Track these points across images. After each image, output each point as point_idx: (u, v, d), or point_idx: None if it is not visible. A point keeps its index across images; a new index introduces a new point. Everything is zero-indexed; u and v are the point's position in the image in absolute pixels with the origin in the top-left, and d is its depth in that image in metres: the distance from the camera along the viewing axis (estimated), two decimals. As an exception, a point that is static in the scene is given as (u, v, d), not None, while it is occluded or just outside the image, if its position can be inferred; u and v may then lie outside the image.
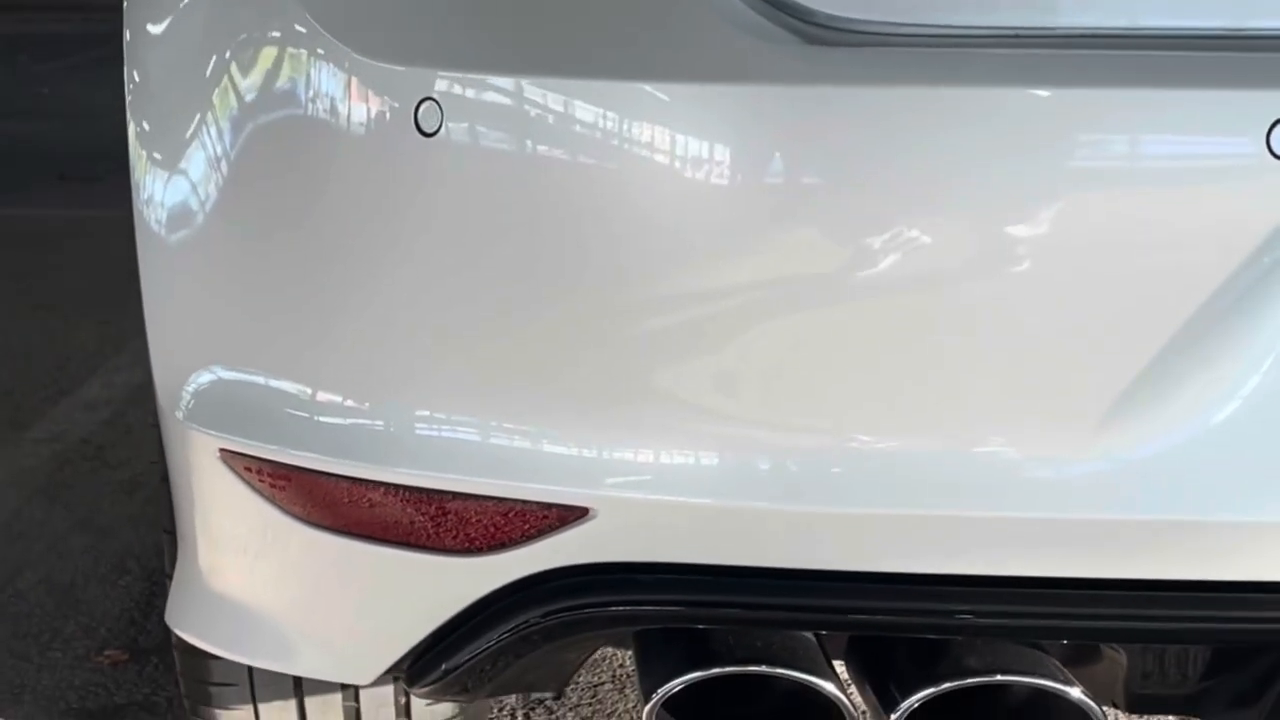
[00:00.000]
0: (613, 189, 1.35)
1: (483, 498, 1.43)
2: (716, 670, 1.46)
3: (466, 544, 1.45)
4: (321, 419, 1.48)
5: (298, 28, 1.46)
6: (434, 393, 1.44)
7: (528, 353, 1.40)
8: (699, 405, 1.38)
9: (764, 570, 1.41)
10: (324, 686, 1.89)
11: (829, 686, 1.45)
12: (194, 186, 1.54)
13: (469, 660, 1.50)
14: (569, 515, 1.41)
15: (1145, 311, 1.32)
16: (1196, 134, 1.31)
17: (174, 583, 1.72)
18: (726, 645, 1.48)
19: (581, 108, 1.34)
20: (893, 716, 1.45)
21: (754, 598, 1.43)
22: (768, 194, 1.33)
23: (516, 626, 1.46)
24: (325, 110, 1.43)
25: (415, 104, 1.37)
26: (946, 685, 1.44)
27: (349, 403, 1.47)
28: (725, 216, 1.33)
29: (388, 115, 1.39)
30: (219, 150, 1.52)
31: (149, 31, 1.64)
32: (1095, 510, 1.36)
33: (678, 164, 1.33)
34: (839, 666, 1.55)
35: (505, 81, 1.36)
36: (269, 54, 1.50)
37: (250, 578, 1.61)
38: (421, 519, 1.46)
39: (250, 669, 1.85)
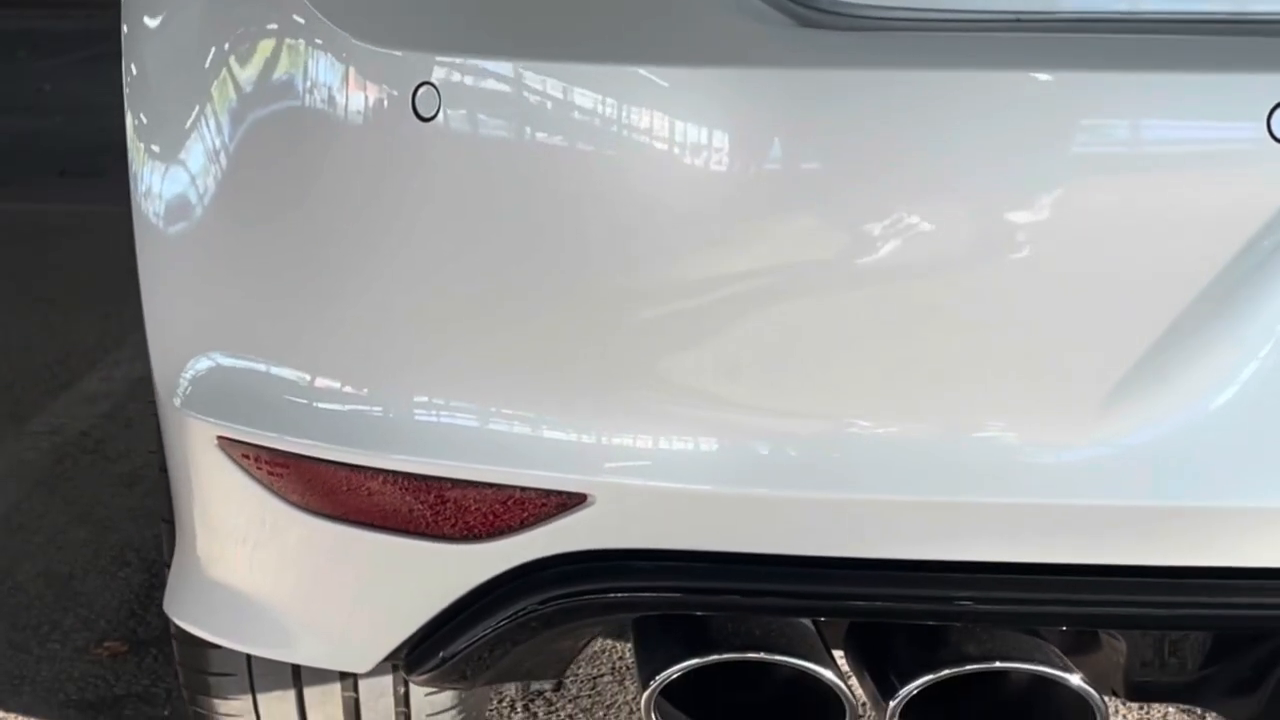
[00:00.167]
0: (609, 173, 1.34)
1: (481, 484, 1.43)
2: (714, 657, 1.45)
3: (465, 531, 1.45)
4: (319, 405, 1.47)
5: (295, 15, 1.46)
6: (432, 379, 1.44)
7: (526, 338, 1.40)
8: (698, 391, 1.38)
9: (763, 557, 1.41)
10: (323, 677, 1.88)
11: (828, 674, 1.45)
12: (192, 174, 1.54)
13: (467, 647, 1.49)
14: (567, 502, 1.41)
15: (1145, 296, 1.32)
16: (1196, 118, 1.31)
17: (172, 571, 1.72)
18: (725, 632, 1.48)
19: (577, 92, 1.34)
20: (891, 704, 1.45)
21: (752, 584, 1.42)
22: (765, 178, 1.33)
23: (515, 613, 1.46)
24: (322, 96, 1.43)
25: (413, 89, 1.37)
26: (945, 672, 1.44)
27: (347, 389, 1.46)
28: (723, 201, 1.33)
29: (385, 100, 1.39)
30: (217, 138, 1.52)
31: (146, 24, 1.64)
32: (1095, 496, 1.36)
33: (674, 148, 1.33)
34: (837, 657, 1.54)
35: (502, 66, 1.36)
36: (266, 41, 1.50)
37: (248, 566, 1.61)
38: (420, 506, 1.45)
39: (249, 658, 1.84)
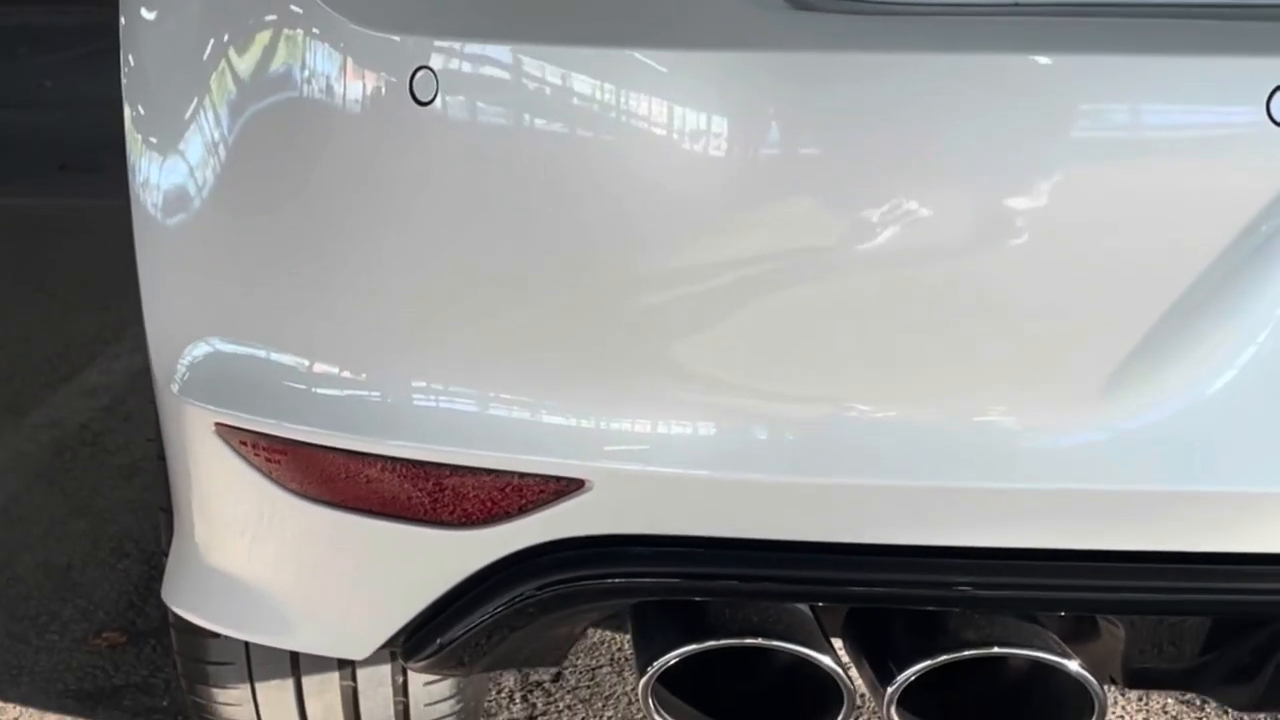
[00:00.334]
0: (606, 158, 1.34)
1: (479, 470, 1.43)
2: (712, 643, 1.45)
3: (463, 517, 1.45)
4: (318, 391, 1.47)
5: (291, 2, 1.45)
6: (431, 365, 1.44)
7: (524, 324, 1.40)
8: (697, 376, 1.38)
9: (761, 542, 1.41)
10: (321, 665, 1.88)
11: (826, 659, 1.45)
12: (190, 161, 1.54)
13: (464, 634, 1.49)
14: (565, 487, 1.41)
15: (1144, 280, 1.32)
16: (1195, 102, 1.30)
17: (170, 560, 1.72)
18: (723, 618, 1.48)
19: (574, 76, 1.33)
20: (889, 690, 1.45)
21: (750, 569, 1.42)
22: (761, 163, 1.33)
23: (512, 599, 1.46)
24: (320, 80, 1.42)
25: (410, 73, 1.36)
26: (943, 658, 1.43)
27: (345, 375, 1.46)
28: (720, 186, 1.33)
29: (383, 85, 1.39)
30: (215, 126, 1.51)
31: (143, 16, 1.64)
32: (1094, 481, 1.35)
33: (671, 132, 1.32)
34: (836, 648, 1.54)
35: (499, 50, 1.35)
36: (263, 27, 1.49)
37: (246, 553, 1.61)
38: (418, 492, 1.45)
39: (247, 647, 1.84)
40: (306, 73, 1.43)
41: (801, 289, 1.35)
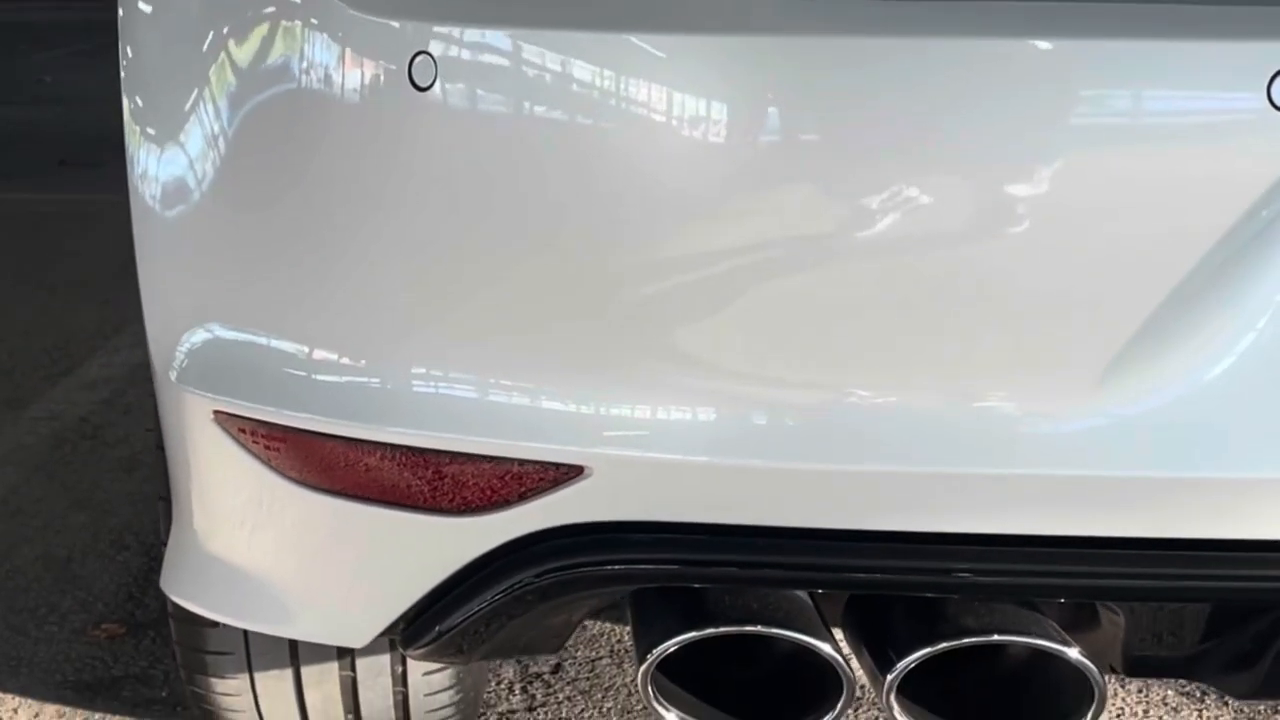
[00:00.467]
0: (606, 143, 1.34)
1: (479, 457, 1.43)
2: (711, 630, 1.45)
3: (462, 504, 1.44)
4: (317, 378, 1.47)
5: (291, -12, 1.45)
6: (430, 351, 1.43)
7: (524, 310, 1.40)
8: (696, 362, 1.38)
9: (760, 529, 1.41)
10: (320, 655, 1.88)
11: (825, 647, 1.44)
12: (188, 150, 1.53)
13: (463, 621, 1.49)
14: (565, 474, 1.41)
15: (1144, 266, 1.32)
16: (1196, 86, 1.30)
17: (169, 549, 1.71)
18: (722, 606, 1.48)
19: (573, 60, 1.33)
20: (888, 678, 1.44)
21: (750, 556, 1.42)
22: (761, 148, 1.32)
23: (512, 587, 1.46)
24: (318, 67, 1.42)
25: (409, 58, 1.36)
26: (942, 645, 1.43)
27: (344, 362, 1.46)
28: (720, 172, 1.32)
29: (381, 71, 1.39)
30: (213, 115, 1.51)
31: (141, 7, 1.63)
32: (1094, 467, 1.35)
33: (670, 118, 1.32)
34: (836, 638, 1.54)
35: (497, 35, 1.35)
36: (261, 14, 1.49)
37: (245, 542, 1.61)
38: (417, 479, 1.45)
39: (246, 636, 1.84)
40: (304, 60, 1.43)
41: (801, 275, 1.34)
